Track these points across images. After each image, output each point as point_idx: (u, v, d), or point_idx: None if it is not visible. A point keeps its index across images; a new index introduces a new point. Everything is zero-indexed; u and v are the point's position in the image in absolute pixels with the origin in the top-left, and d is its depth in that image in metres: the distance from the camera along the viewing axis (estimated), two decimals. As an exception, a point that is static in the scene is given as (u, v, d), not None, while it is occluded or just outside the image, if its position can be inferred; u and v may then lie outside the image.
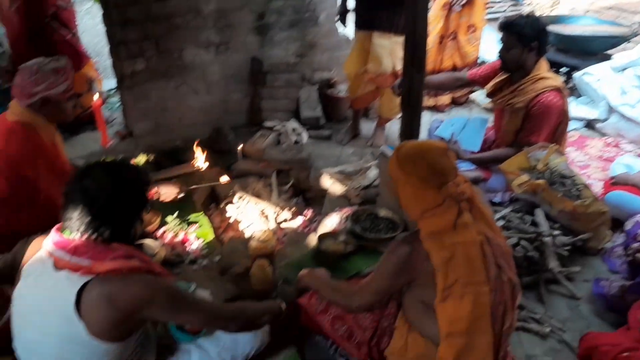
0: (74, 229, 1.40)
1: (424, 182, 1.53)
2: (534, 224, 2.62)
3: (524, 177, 2.68)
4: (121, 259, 1.39)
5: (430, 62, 4.11)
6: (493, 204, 2.83)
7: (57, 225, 1.47)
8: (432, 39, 4.07)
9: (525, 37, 2.70)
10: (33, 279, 1.43)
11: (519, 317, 2.23)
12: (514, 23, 2.75)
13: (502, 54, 2.84)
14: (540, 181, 2.62)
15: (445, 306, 1.54)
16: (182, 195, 2.84)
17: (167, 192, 2.85)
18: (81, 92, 3.75)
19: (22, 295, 1.45)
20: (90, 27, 3.55)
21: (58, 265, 1.39)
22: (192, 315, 1.54)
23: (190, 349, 1.72)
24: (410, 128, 2.46)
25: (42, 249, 1.46)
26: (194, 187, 3.00)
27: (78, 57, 3.68)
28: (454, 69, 4.26)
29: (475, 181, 2.90)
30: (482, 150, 3.16)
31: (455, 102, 4.60)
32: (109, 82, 4.71)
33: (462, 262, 1.51)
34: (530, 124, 2.82)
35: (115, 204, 1.41)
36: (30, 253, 1.52)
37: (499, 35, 2.86)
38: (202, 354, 1.70)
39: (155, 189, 2.75)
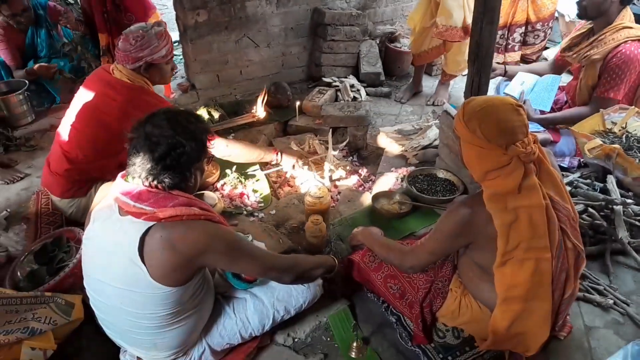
0: (136, 175, 1.45)
1: (490, 140, 1.44)
2: (604, 191, 2.46)
3: (597, 141, 2.50)
4: (182, 206, 1.43)
5: (501, 15, 3.83)
6: (561, 168, 2.68)
7: (122, 172, 1.53)
8: None
9: None
10: (100, 223, 1.51)
11: (581, 287, 2.14)
12: None
13: None
14: (615, 145, 2.44)
15: (504, 271, 1.50)
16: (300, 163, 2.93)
17: (287, 162, 2.92)
18: None
19: (90, 238, 1.54)
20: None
21: (123, 211, 1.45)
22: (248, 264, 1.58)
23: (245, 297, 1.77)
24: (477, 85, 2.32)
25: (109, 194, 1.53)
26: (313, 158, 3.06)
27: (144, 7, 3.72)
28: (527, 23, 3.96)
29: (543, 144, 2.73)
30: (552, 112, 2.96)
31: (525, 60, 4.31)
32: (173, 35, 4.79)
33: (525, 227, 1.45)
34: (607, 78, 2.60)
35: (175, 150, 1.43)
36: (99, 198, 1.60)
37: None
38: (257, 303, 1.75)
39: (276, 158, 2.85)
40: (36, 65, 3.49)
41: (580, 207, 2.36)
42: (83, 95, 2.30)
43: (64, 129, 2.32)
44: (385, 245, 1.87)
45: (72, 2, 4.35)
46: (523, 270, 1.46)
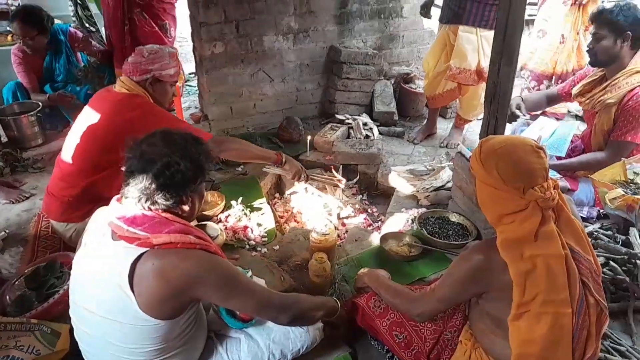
0: (130, 195, 1.39)
1: (506, 181, 1.36)
2: (626, 244, 2.34)
3: (619, 191, 2.40)
4: (177, 233, 1.36)
5: (544, 63, 3.78)
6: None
7: (117, 195, 1.47)
8: (553, 38, 3.72)
9: (618, 26, 2.45)
10: (92, 247, 1.44)
11: (602, 347, 2.00)
12: (605, 11, 2.51)
13: (592, 45, 2.59)
14: (639, 197, 2.33)
15: (519, 324, 1.39)
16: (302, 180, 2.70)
17: (290, 168, 2.70)
18: None
19: (80, 263, 1.46)
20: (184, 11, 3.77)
21: (116, 235, 1.38)
22: (244, 300, 1.48)
23: (240, 336, 1.67)
24: (493, 127, 2.26)
25: (103, 218, 1.46)
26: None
27: None
28: (573, 72, 3.86)
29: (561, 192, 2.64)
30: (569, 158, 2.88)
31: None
32: (190, 66, 4.86)
33: (542, 277, 1.34)
34: (624, 121, 2.52)
35: (169, 169, 1.37)
36: (92, 222, 1.53)
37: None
38: (251, 344, 1.64)
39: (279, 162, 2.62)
40: (57, 94, 3.52)
41: (601, 260, 2.24)
42: (86, 116, 2.28)
43: (67, 151, 2.29)
44: (392, 290, 1.77)
45: (94, 30, 4.44)
46: (540, 326, 1.35)
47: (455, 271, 1.53)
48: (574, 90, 2.81)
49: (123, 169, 1.42)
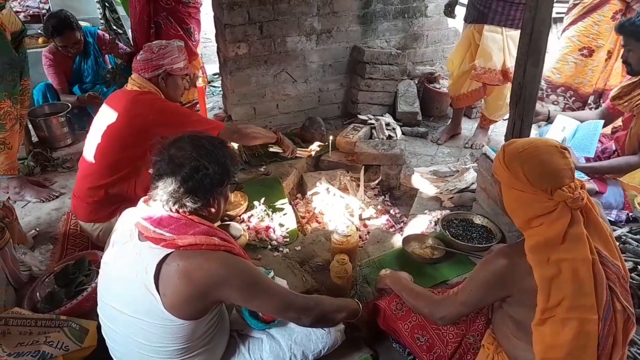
0: (158, 198, 1.41)
1: (533, 184, 1.34)
2: (657, 250, 2.27)
3: (649, 195, 2.34)
4: (202, 235, 1.38)
5: (594, 82, 3.66)
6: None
7: (145, 197, 1.49)
8: (600, 57, 3.59)
9: None
10: (119, 247, 1.47)
11: (628, 354, 1.94)
12: (627, 22, 2.48)
13: (625, 57, 2.55)
14: (670, 201, 2.27)
15: (543, 330, 1.36)
16: (313, 154, 3.06)
17: (301, 152, 3.00)
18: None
19: (108, 262, 1.50)
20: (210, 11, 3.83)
21: (142, 236, 1.41)
22: (266, 302, 1.50)
23: (262, 337, 1.68)
24: (519, 128, 2.22)
25: (130, 218, 1.49)
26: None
27: (187, 53, 3.81)
28: None
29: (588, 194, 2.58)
30: (598, 160, 2.81)
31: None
32: (214, 67, 4.91)
33: (568, 282, 1.32)
34: None
35: (198, 173, 1.40)
36: (120, 222, 1.56)
37: None
38: (273, 345, 1.65)
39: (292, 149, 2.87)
40: (86, 95, 3.61)
41: (629, 264, 2.18)
42: (104, 114, 2.33)
43: (89, 150, 2.34)
44: (414, 292, 1.76)
45: (121, 32, 4.53)
46: (565, 332, 1.32)
47: (479, 275, 1.51)
48: (612, 93, 2.75)
49: (151, 171, 1.44)
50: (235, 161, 1.53)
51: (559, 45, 3.77)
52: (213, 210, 1.49)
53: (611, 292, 1.36)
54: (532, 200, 1.36)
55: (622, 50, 2.70)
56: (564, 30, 3.73)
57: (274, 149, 2.89)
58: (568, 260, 1.32)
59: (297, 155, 2.95)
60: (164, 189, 1.39)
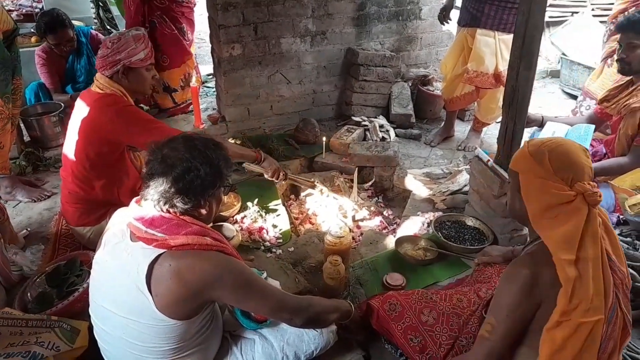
0: (149, 197, 1.41)
1: (557, 171, 1.34)
2: (647, 252, 2.29)
3: (639, 197, 2.36)
4: (194, 235, 1.38)
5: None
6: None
7: (137, 198, 1.49)
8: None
9: None
10: (110, 247, 1.46)
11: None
12: (635, 19, 2.48)
13: (625, 55, 2.55)
14: (660, 204, 2.29)
15: (554, 334, 1.33)
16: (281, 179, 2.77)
17: (302, 181, 2.87)
18: (176, 87, 3.93)
19: (99, 262, 1.49)
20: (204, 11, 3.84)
21: (134, 237, 1.41)
22: (259, 302, 1.49)
23: (254, 337, 1.67)
24: (511, 131, 2.24)
25: (122, 219, 1.48)
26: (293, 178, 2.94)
27: (180, 53, 3.84)
28: None
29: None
30: (590, 163, 2.83)
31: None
32: (208, 68, 4.90)
33: (589, 283, 1.29)
34: None
35: (189, 174, 1.39)
36: (112, 223, 1.56)
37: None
38: (266, 345, 1.65)
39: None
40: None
41: (619, 267, 2.20)
42: (78, 110, 2.26)
43: (69, 146, 2.29)
44: None
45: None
46: (576, 336, 1.30)
47: (505, 299, 1.41)
48: (600, 96, 2.77)
49: (144, 170, 1.44)
50: (229, 164, 1.53)
51: (609, 71, 3.60)
52: (204, 211, 1.49)
53: (617, 298, 1.36)
54: (551, 188, 1.34)
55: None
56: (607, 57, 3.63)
57: (251, 167, 2.70)
58: (589, 259, 1.31)
59: (294, 182, 2.78)
60: (155, 189, 1.39)
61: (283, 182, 2.76)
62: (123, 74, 2.18)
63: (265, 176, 2.72)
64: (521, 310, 1.38)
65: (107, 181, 2.29)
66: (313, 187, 2.97)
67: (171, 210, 1.42)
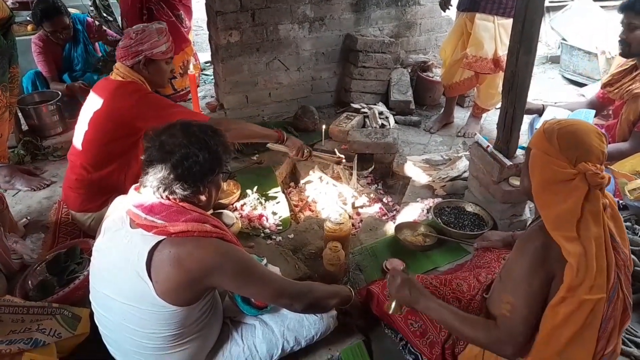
0: (148, 184, 1.41)
1: (562, 150, 1.34)
2: (646, 236, 2.30)
3: (638, 182, 2.36)
4: (193, 222, 1.38)
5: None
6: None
7: (136, 184, 1.49)
8: None
9: None
10: (110, 234, 1.46)
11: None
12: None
13: (625, 36, 2.54)
14: (659, 189, 2.29)
15: (557, 310, 1.33)
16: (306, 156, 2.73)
17: (326, 157, 2.82)
18: (175, 74, 3.90)
19: (99, 250, 1.49)
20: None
21: (134, 224, 1.40)
22: (259, 288, 1.50)
23: (255, 323, 1.69)
24: (511, 116, 2.23)
25: (121, 206, 1.48)
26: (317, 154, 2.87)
27: (178, 40, 3.80)
28: None
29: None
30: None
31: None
32: (206, 55, 4.87)
33: (592, 260, 1.30)
34: None
35: (188, 160, 1.39)
36: (111, 210, 1.56)
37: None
38: (266, 331, 1.66)
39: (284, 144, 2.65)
40: (77, 84, 3.57)
41: (619, 251, 2.21)
42: (91, 102, 2.28)
43: (78, 137, 2.31)
44: (459, 317, 1.51)
45: (111, 19, 4.48)
46: (579, 313, 1.31)
47: (519, 271, 1.39)
48: (603, 80, 2.75)
49: (142, 157, 1.44)
50: (227, 150, 1.52)
51: None
52: (203, 198, 1.48)
53: (619, 279, 1.37)
54: (553, 165, 1.35)
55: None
56: None
57: (275, 147, 2.70)
58: (591, 237, 1.32)
59: (319, 159, 2.78)
60: (154, 175, 1.39)
61: (308, 161, 2.76)
62: (144, 65, 2.22)
63: (290, 154, 2.71)
64: (537, 281, 1.36)
65: (117, 165, 2.29)
66: (339, 162, 2.92)
67: (171, 197, 1.41)
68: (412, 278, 1.64)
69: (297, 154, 2.65)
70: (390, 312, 1.61)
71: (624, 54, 2.61)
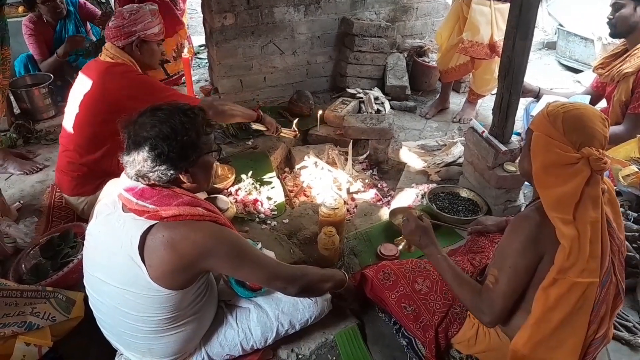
0: (129, 173, 1.39)
1: (565, 133, 1.34)
2: (638, 221, 2.32)
3: (632, 168, 2.37)
4: (186, 206, 1.37)
5: None
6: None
7: None
8: None
9: None
10: (102, 218, 1.45)
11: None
12: None
13: (612, 16, 2.55)
14: (653, 175, 2.30)
15: (549, 291, 1.35)
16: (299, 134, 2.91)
17: (286, 132, 2.87)
18: (169, 58, 3.85)
19: (92, 234, 1.48)
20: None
21: (126, 208, 1.39)
22: (252, 271, 1.49)
23: (249, 307, 1.69)
24: (507, 102, 2.22)
25: (114, 190, 1.47)
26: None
27: (172, 22, 3.75)
28: None
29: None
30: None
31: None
32: (200, 39, 4.82)
33: (586, 243, 1.31)
34: None
35: (157, 150, 1.34)
36: (104, 194, 1.54)
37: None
38: (261, 314, 1.67)
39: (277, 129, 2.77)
40: (66, 40, 3.51)
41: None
42: (80, 83, 2.25)
43: (68, 120, 2.28)
44: (459, 278, 1.57)
45: (104, 1, 4.40)
46: (569, 295, 1.33)
47: (510, 246, 1.42)
48: (594, 63, 2.75)
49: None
50: (200, 130, 1.42)
51: None
52: (187, 181, 1.44)
53: (613, 264, 1.38)
54: (557, 148, 1.35)
55: None
56: None
57: (256, 126, 2.76)
58: (587, 221, 1.32)
59: (282, 135, 2.85)
60: (132, 165, 1.36)
61: (278, 136, 2.89)
62: (137, 46, 2.20)
63: (267, 133, 2.79)
64: (525, 261, 1.40)
65: (109, 148, 2.26)
66: (295, 136, 3.01)
67: (152, 183, 1.39)
68: (426, 226, 1.73)
69: (272, 131, 2.74)
70: (399, 248, 1.81)
71: (612, 34, 2.63)
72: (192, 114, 1.43)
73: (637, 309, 2.10)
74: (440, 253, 1.66)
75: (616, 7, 2.52)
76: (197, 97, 3.74)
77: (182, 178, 1.43)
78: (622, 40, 2.66)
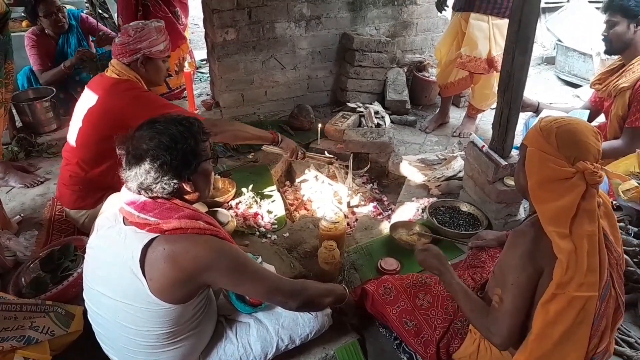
0: (131, 188, 1.39)
1: (560, 148, 1.35)
2: (639, 236, 2.31)
3: (632, 183, 2.37)
4: (187, 219, 1.37)
5: None
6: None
7: None
8: None
9: (630, 10, 2.47)
10: (103, 232, 1.45)
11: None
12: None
13: (607, 33, 2.59)
14: (653, 189, 2.30)
15: (548, 307, 1.34)
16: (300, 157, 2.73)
17: (286, 146, 2.71)
18: (171, 72, 3.88)
19: (93, 247, 1.48)
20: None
21: (127, 221, 1.40)
22: (253, 285, 1.49)
23: (249, 321, 1.68)
24: (506, 116, 2.23)
25: (115, 203, 1.47)
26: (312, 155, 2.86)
27: (174, 37, 3.77)
28: None
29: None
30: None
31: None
32: (202, 53, 4.86)
33: (583, 257, 1.31)
34: (637, 107, 2.49)
35: (157, 162, 1.35)
36: (105, 207, 1.55)
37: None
38: (261, 329, 1.66)
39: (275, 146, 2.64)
40: (77, 52, 3.55)
41: (612, 251, 2.22)
42: (86, 98, 2.26)
43: (72, 134, 2.29)
44: (470, 302, 1.57)
45: (107, 16, 4.46)
46: (569, 310, 1.32)
47: (509, 263, 1.43)
48: (592, 78, 2.78)
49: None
50: (198, 138, 1.43)
51: None
52: (190, 191, 1.44)
53: (611, 277, 1.37)
54: (552, 163, 1.36)
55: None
56: None
57: (269, 149, 2.69)
58: (584, 235, 1.32)
59: (314, 161, 2.78)
60: (134, 180, 1.37)
61: (302, 161, 2.78)
62: (142, 63, 2.22)
63: (284, 156, 2.72)
64: (525, 275, 1.40)
65: (112, 163, 2.24)
66: (331, 163, 2.92)
67: (154, 195, 1.39)
68: (440, 254, 1.76)
69: (291, 155, 2.65)
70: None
71: (607, 51, 2.68)
72: (187, 123, 1.44)
73: (639, 325, 2.09)
74: (455, 278, 1.66)
75: (610, 24, 2.56)
76: (199, 112, 3.77)
77: (185, 187, 1.43)
78: (619, 56, 2.70)
